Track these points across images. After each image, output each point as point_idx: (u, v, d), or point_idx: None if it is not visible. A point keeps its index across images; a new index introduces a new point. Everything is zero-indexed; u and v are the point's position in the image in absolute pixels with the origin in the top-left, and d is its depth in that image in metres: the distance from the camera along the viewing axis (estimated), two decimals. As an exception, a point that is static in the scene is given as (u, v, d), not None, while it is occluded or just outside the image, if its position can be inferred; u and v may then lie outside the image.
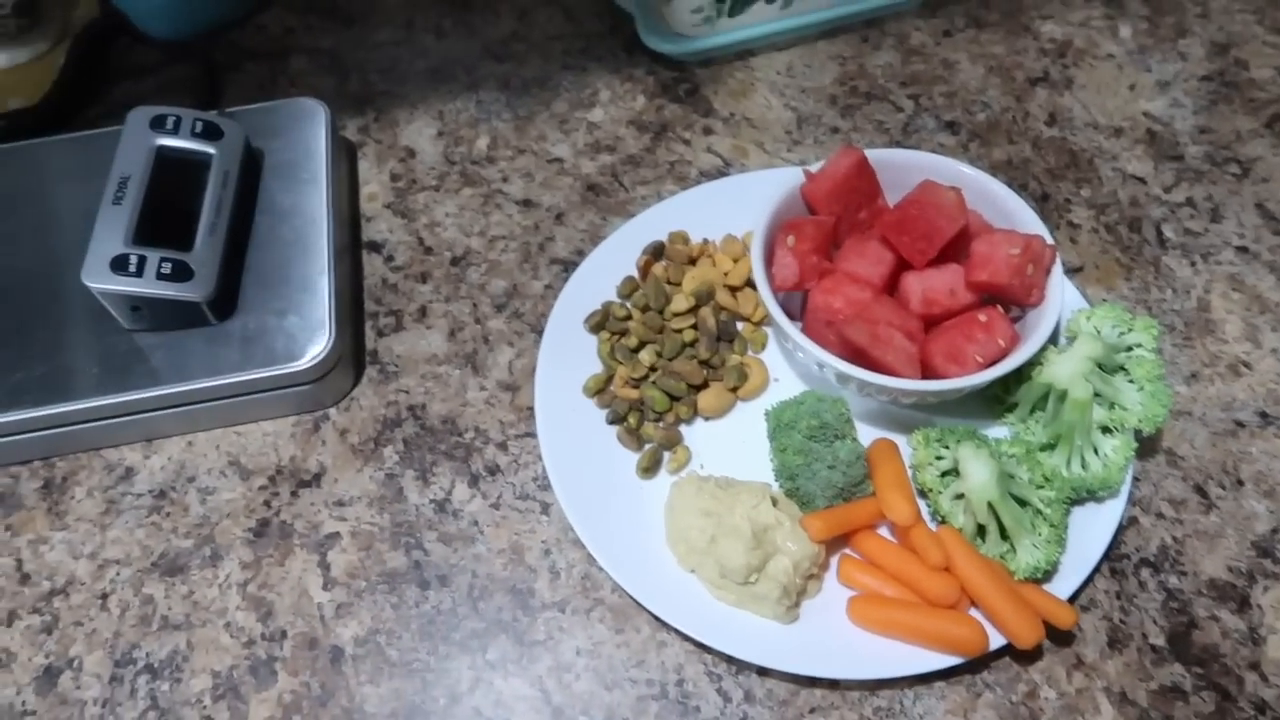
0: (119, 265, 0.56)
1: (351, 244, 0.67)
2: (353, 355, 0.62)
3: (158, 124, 0.61)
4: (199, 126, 0.62)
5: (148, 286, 0.56)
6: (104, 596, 0.55)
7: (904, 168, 0.59)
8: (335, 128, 0.68)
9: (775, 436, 0.54)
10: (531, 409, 0.60)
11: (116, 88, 0.77)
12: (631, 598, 0.53)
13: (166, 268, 0.56)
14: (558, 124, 0.73)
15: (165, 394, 0.57)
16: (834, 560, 0.53)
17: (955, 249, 0.57)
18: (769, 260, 0.57)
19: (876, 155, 0.59)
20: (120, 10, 0.78)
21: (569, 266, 0.66)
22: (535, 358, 0.62)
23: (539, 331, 0.63)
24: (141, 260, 0.56)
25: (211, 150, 0.62)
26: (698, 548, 0.51)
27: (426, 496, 0.57)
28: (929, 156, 0.59)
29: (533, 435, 0.59)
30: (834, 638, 0.50)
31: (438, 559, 0.55)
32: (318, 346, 0.57)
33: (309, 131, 0.67)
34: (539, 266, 0.66)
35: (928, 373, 0.53)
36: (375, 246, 0.68)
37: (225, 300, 0.59)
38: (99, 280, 0.55)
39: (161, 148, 0.61)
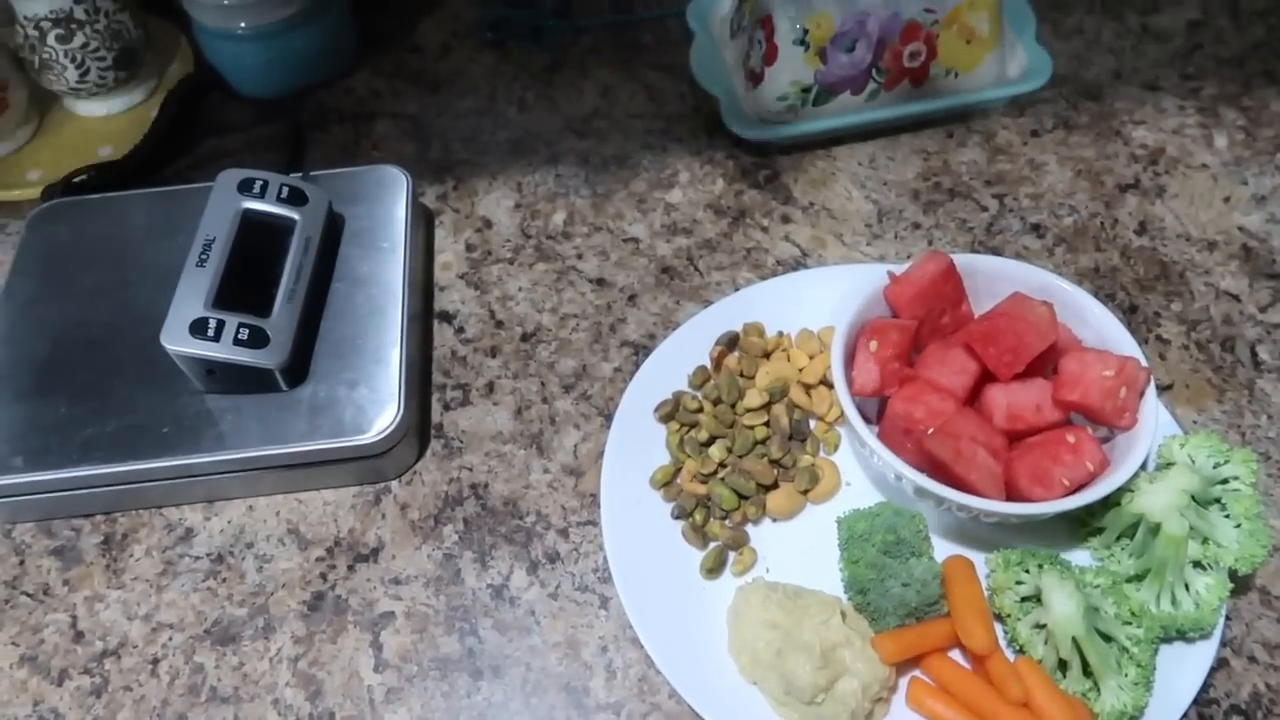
0: (198, 329, 0.56)
1: (424, 313, 0.67)
2: (418, 428, 0.61)
3: (245, 187, 0.62)
4: (285, 191, 0.63)
5: (224, 352, 0.56)
6: (155, 662, 0.54)
7: (991, 275, 0.58)
8: (415, 195, 0.69)
9: (847, 547, 0.52)
10: (595, 496, 0.59)
11: (204, 142, 0.78)
12: (691, 707, 0.51)
13: (244, 333, 0.56)
14: (635, 203, 0.73)
15: (232, 459, 0.57)
16: (902, 681, 0.51)
17: (1042, 363, 0.55)
18: (849, 363, 0.55)
19: (964, 260, 0.58)
20: (214, 68, 0.79)
21: (640, 350, 0.65)
22: (601, 442, 0.61)
23: (606, 415, 0.62)
24: (220, 325, 0.56)
25: (295, 216, 0.62)
26: (762, 660, 0.49)
27: (484, 581, 0.56)
28: (1019, 266, 0.58)
29: (594, 524, 0.58)
30: (902, 767, 0.48)
31: (492, 648, 0.54)
32: (385, 419, 0.57)
33: (390, 199, 0.67)
34: (609, 348, 0.65)
35: (1011, 493, 0.51)
36: (447, 317, 0.67)
37: (297, 367, 0.59)
38: (177, 343, 0.56)
39: (247, 211, 0.61)
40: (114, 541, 0.59)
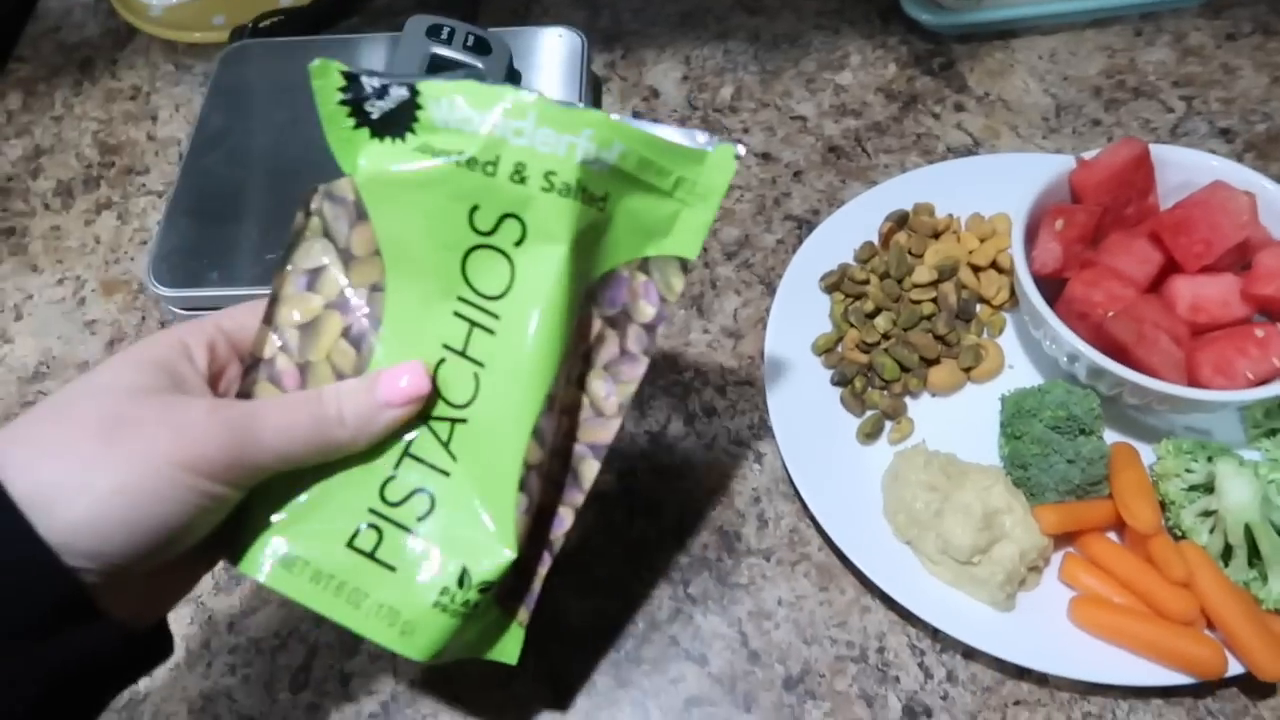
0: (389, 160, 0.58)
1: (590, 174, 0.68)
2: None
3: (433, 33, 0.64)
4: (470, 40, 0.64)
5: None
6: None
7: (1186, 168, 0.56)
8: (589, 60, 0.69)
9: (1011, 423, 0.52)
10: (753, 358, 0.60)
11: (378, -1, 0.80)
12: (839, 558, 0.52)
13: (430, 169, 0.58)
14: (804, 82, 0.72)
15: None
16: (1055, 557, 0.51)
17: (1230, 258, 0.53)
18: (1029, 242, 0.55)
19: (1159, 150, 0.56)
20: (395, -77, 0.81)
21: (803, 224, 0.65)
22: (761, 308, 0.61)
23: (767, 284, 0.63)
24: (409, 159, 0.58)
25: (480, 64, 0.63)
26: (920, 520, 0.50)
27: (642, 427, 0.58)
28: (1219, 160, 0.56)
29: (751, 384, 0.59)
30: (1049, 632, 0.48)
31: (647, 488, 0.56)
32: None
33: (565, 61, 0.68)
34: (773, 220, 0.66)
35: (1191, 382, 0.50)
36: (612, 179, 0.68)
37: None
38: (369, 172, 0.58)
39: (435, 56, 0.63)
40: (294, 361, 0.62)
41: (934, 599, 0.49)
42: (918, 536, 0.51)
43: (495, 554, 0.37)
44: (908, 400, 0.57)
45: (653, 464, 0.57)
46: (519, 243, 0.37)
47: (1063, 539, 0.51)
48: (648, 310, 0.39)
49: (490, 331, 0.37)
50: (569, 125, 0.36)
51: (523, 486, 0.38)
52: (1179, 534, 0.50)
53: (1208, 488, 0.49)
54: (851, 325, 0.58)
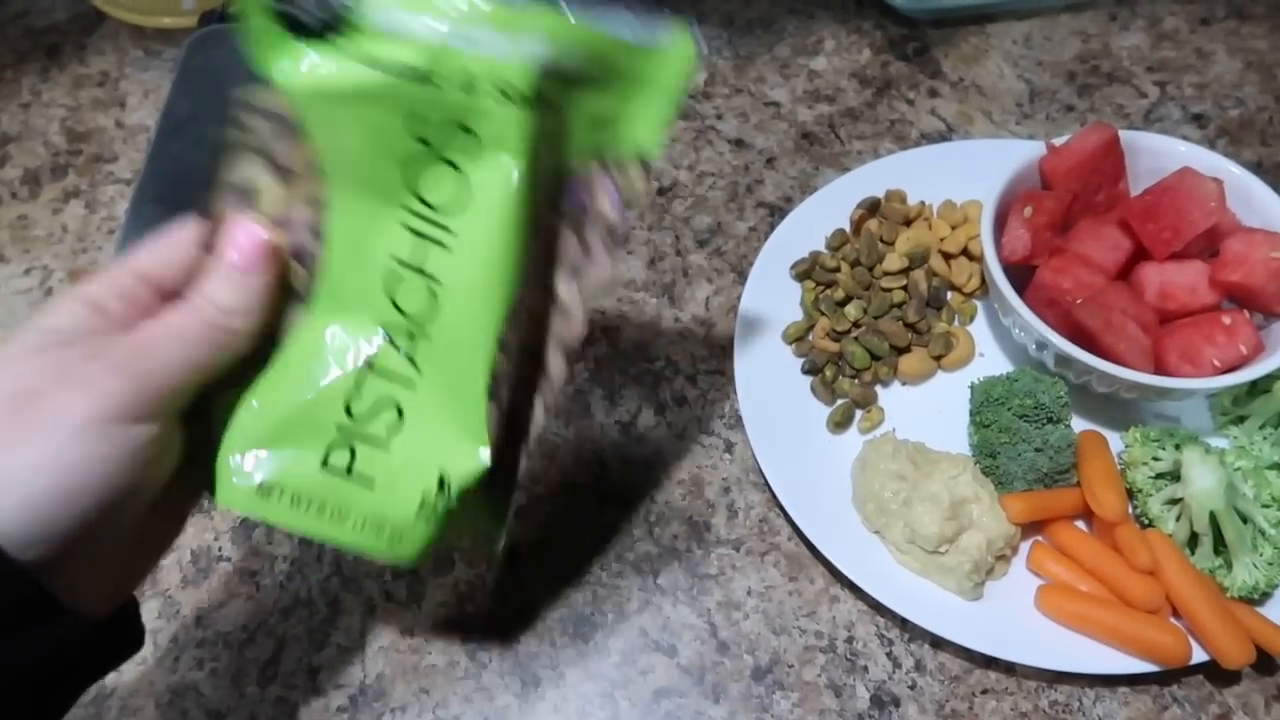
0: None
1: (562, 161, 0.68)
2: (555, 269, 0.62)
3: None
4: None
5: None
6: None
7: (1156, 154, 0.56)
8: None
9: (980, 411, 0.52)
10: (724, 347, 0.60)
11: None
12: (808, 548, 0.52)
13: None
14: (778, 68, 0.72)
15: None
16: (1024, 546, 0.51)
17: (1199, 245, 0.53)
18: (999, 229, 0.55)
19: (1129, 137, 0.56)
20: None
21: (776, 212, 0.65)
22: (733, 297, 0.61)
23: (739, 272, 0.62)
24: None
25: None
26: (888, 509, 0.50)
27: (613, 417, 0.58)
28: (1188, 146, 0.56)
29: (722, 373, 0.59)
30: (1017, 621, 0.49)
31: (618, 478, 0.56)
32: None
33: (537, 44, 0.67)
34: (745, 208, 0.65)
35: (1158, 370, 0.50)
36: (584, 167, 0.68)
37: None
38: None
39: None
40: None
41: (902, 588, 0.50)
42: (886, 526, 0.51)
43: (471, 458, 0.37)
44: (878, 389, 0.57)
45: (623, 454, 0.56)
46: (471, 155, 0.35)
47: (1030, 527, 0.51)
48: (606, 209, 0.38)
49: (445, 247, 0.36)
50: (516, 25, 0.34)
51: (492, 396, 0.37)
52: (1146, 522, 0.50)
53: (1174, 475, 0.49)
54: (822, 313, 0.58)
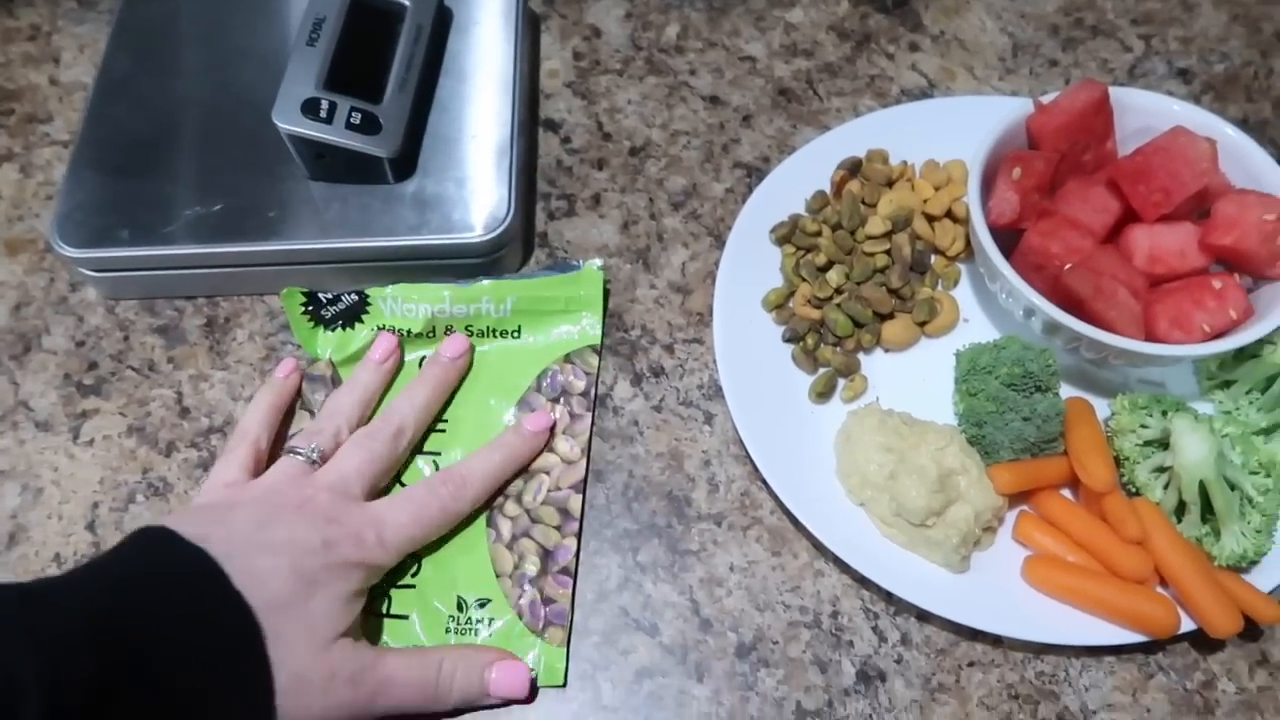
0: (309, 109, 0.54)
1: (529, 119, 0.65)
2: (524, 235, 0.60)
3: (355, -33, 0.59)
4: (396, -25, 0.60)
5: (336, 135, 0.54)
6: (261, 441, 0.54)
7: (1146, 112, 0.54)
8: (526, -3, 0.65)
9: (966, 379, 0.51)
10: (701, 315, 0.58)
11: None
12: (792, 522, 0.51)
13: (356, 118, 0.54)
14: (753, 20, 0.69)
15: (338, 248, 0.56)
16: (1010, 516, 0.50)
17: (1189, 207, 0.52)
18: (985, 192, 0.53)
19: (1118, 94, 0.54)
20: None
21: (753, 172, 0.62)
22: (709, 261, 0.59)
23: (715, 235, 0.60)
24: (332, 107, 0.54)
25: (406, 2, 0.59)
26: (873, 482, 0.49)
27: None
28: (1180, 105, 0.54)
29: (700, 342, 0.57)
30: (1003, 593, 0.48)
31: (595, 454, 0.54)
32: (496, 219, 0.55)
33: (500, -2, 0.64)
34: (721, 168, 0.63)
35: (1148, 335, 0.49)
36: (553, 125, 0.65)
37: (406, 159, 0.57)
38: (289, 122, 0.54)
39: (357, -5, 0.58)
40: (216, 324, 0.58)
41: (887, 562, 0.49)
42: (871, 499, 0.49)
43: (480, 574, 0.49)
44: (861, 357, 0.55)
45: (599, 428, 0.54)
46: None
47: (1017, 497, 0.50)
48: (578, 384, 0.54)
49: (442, 431, 0.53)
50: (473, 297, 0.54)
51: (490, 523, 0.51)
52: (1133, 490, 0.49)
53: (1162, 443, 0.49)
54: (803, 279, 0.56)
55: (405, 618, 0.48)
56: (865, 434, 0.50)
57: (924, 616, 0.49)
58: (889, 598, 0.49)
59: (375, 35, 0.58)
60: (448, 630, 0.48)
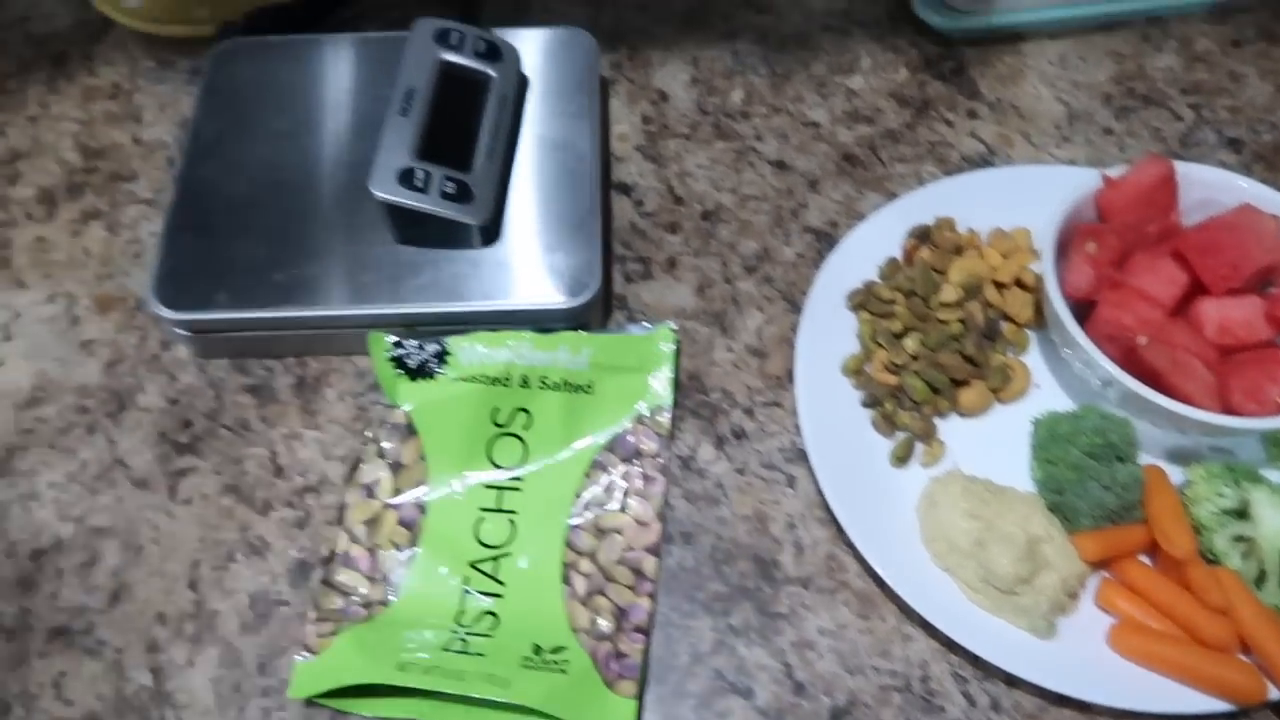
0: (405, 179, 0.56)
1: (604, 182, 0.67)
2: (604, 297, 0.61)
3: (442, 38, 0.61)
4: (481, 46, 0.62)
5: (431, 204, 0.56)
6: (356, 501, 0.56)
7: (1210, 186, 0.57)
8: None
9: (1046, 447, 0.53)
10: (778, 378, 0.59)
11: (370, -9, 0.77)
12: (878, 585, 0.53)
13: (450, 187, 0.56)
14: (815, 86, 0.71)
15: (425, 312, 0.57)
16: (1090, 582, 0.52)
17: (1253, 281, 0.54)
18: (1058, 263, 0.55)
19: (1184, 169, 0.56)
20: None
21: (821, 237, 0.64)
22: (784, 325, 0.61)
23: (788, 299, 0.62)
24: (427, 176, 0.56)
25: (492, 72, 0.61)
26: (960, 548, 0.51)
27: (673, 451, 0.57)
28: (1248, 182, 0.56)
29: (779, 405, 0.59)
30: (1090, 659, 0.49)
31: (682, 516, 0.55)
32: (584, 285, 0.57)
33: (576, 63, 0.66)
34: (791, 233, 0.65)
35: (1223, 406, 0.51)
36: (624, 188, 0.67)
37: (494, 226, 0.59)
38: (386, 192, 0.56)
39: (446, 63, 0.60)
40: (306, 384, 0.60)
41: (975, 626, 0.50)
42: (958, 565, 0.51)
43: (555, 626, 0.51)
44: (937, 421, 0.57)
45: (685, 490, 0.56)
46: (527, 426, 0.56)
47: (1097, 565, 0.52)
48: (650, 446, 0.56)
49: (517, 490, 0.55)
50: (551, 345, 0.57)
51: (566, 579, 0.52)
52: (1210, 558, 0.51)
53: (1239, 513, 0.50)
54: (880, 345, 0.58)
55: (480, 655, 0.49)
56: (950, 500, 0.52)
57: (1012, 682, 0.50)
58: (976, 662, 0.51)
59: (463, 104, 0.60)
60: (524, 664, 0.49)
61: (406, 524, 0.54)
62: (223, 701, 0.51)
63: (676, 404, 0.58)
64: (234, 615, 0.53)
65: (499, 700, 0.47)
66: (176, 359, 0.61)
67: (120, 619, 0.53)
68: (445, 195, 0.56)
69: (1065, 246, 0.56)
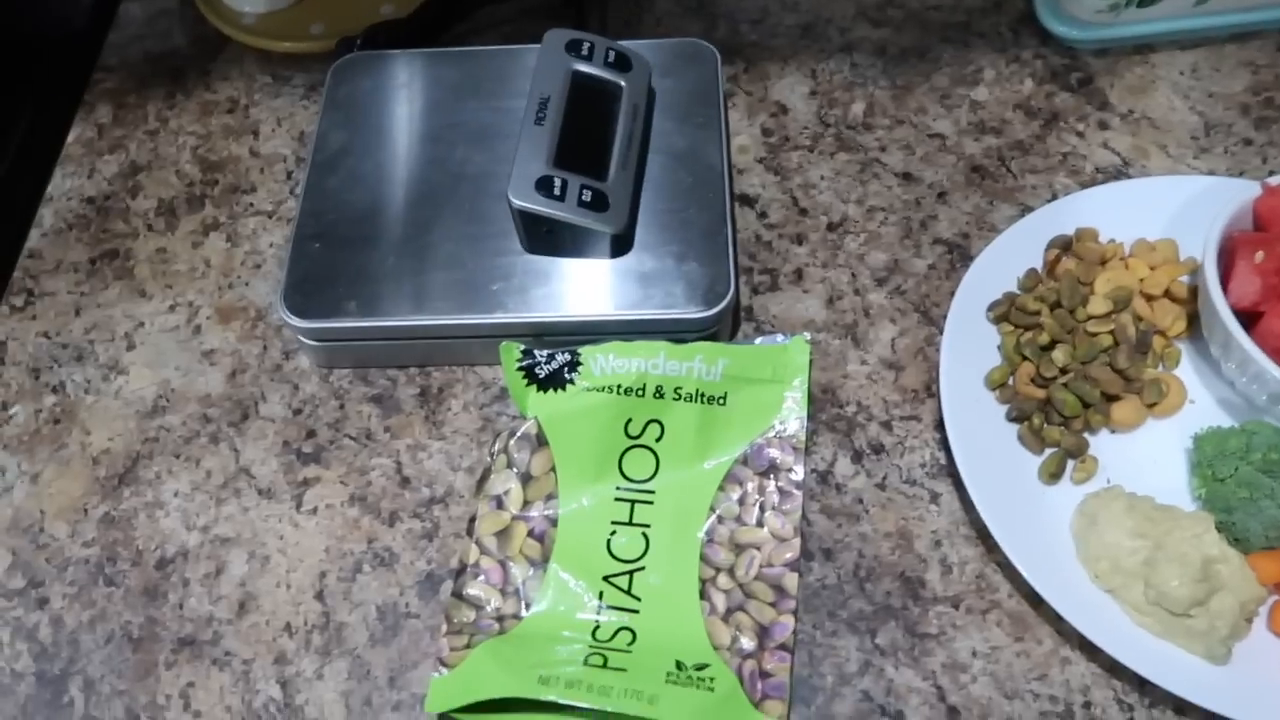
0: (543, 186, 0.55)
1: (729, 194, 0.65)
2: (734, 308, 0.60)
3: (573, 48, 0.61)
4: (611, 55, 0.61)
5: (568, 212, 0.55)
6: (486, 512, 0.55)
7: (1377, 194, 0.54)
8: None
9: (1211, 464, 0.50)
10: (915, 391, 0.58)
11: (482, 7, 0.77)
12: (1032, 606, 0.50)
13: (586, 195, 0.56)
14: (938, 98, 0.70)
15: (555, 321, 0.56)
16: (1263, 606, 0.49)
17: None
18: (1222, 274, 0.53)
19: (1350, 176, 0.54)
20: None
21: (953, 249, 0.63)
22: (918, 338, 0.59)
23: (922, 311, 0.60)
24: (564, 184, 0.55)
25: (622, 81, 0.61)
26: (1125, 568, 0.48)
27: (809, 465, 0.55)
28: None
29: (918, 419, 0.57)
30: (1266, 685, 0.46)
31: (822, 531, 0.53)
32: (718, 294, 0.56)
33: (700, 74, 0.65)
34: (921, 244, 0.63)
35: (1407, 422, 0.49)
36: (748, 200, 0.66)
37: (627, 235, 0.58)
38: (524, 199, 0.55)
39: (577, 73, 0.60)
40: (430, 394, 0.59)
41: (1142, 649, 0.47)
42: (1123, 585, 0.48)
43: (696, 643, 0.49)
44: (1088, 437, 0.54)
45: (824, 505, 0.54)
46: (659, 438, 0.54)
47: (1275, 585, 0.49)
48: (788, 460, 0.54)
49: (649, 503, 0.53)
50: (686, 355, 0.55)
51: (703, 595, 0.50)
52: (1392, 582, 0.48)
53: None
54: (1025, 358, 0.56)
55: (622, 670, 0.48)
56: (1113, 518, 0.49)
57: (1181, 708, 0.47)
58: (1143, 687, 0.48)
59: (596, 113, 0.59)
60: (668, 679, 0.47)
61: (537, 536, 0.52)
62: (353, 716, 0.49)
63: (811, 417, 0.56)
64: (362, 627, 0.52)
65: (646, 717, 0.45)
66: (299, 369, 0.61)
67: (247, 630, 0.52)
68: (582, 204, 0.55)
69: (1222, 257, 0.54)
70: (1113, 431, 0.55)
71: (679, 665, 0.48)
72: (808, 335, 0.57)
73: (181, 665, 0.51)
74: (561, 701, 0.46)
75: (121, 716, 0.50)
